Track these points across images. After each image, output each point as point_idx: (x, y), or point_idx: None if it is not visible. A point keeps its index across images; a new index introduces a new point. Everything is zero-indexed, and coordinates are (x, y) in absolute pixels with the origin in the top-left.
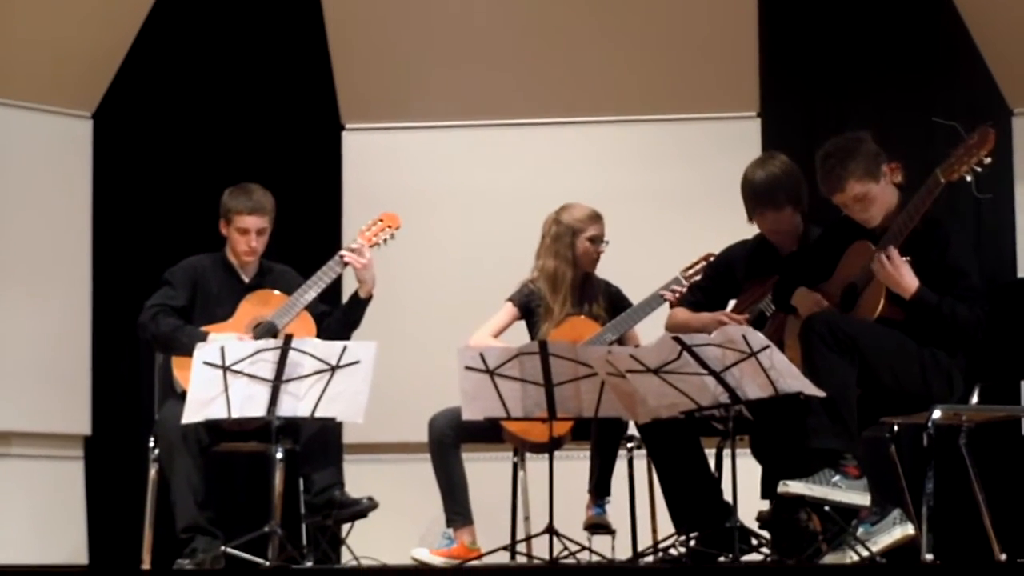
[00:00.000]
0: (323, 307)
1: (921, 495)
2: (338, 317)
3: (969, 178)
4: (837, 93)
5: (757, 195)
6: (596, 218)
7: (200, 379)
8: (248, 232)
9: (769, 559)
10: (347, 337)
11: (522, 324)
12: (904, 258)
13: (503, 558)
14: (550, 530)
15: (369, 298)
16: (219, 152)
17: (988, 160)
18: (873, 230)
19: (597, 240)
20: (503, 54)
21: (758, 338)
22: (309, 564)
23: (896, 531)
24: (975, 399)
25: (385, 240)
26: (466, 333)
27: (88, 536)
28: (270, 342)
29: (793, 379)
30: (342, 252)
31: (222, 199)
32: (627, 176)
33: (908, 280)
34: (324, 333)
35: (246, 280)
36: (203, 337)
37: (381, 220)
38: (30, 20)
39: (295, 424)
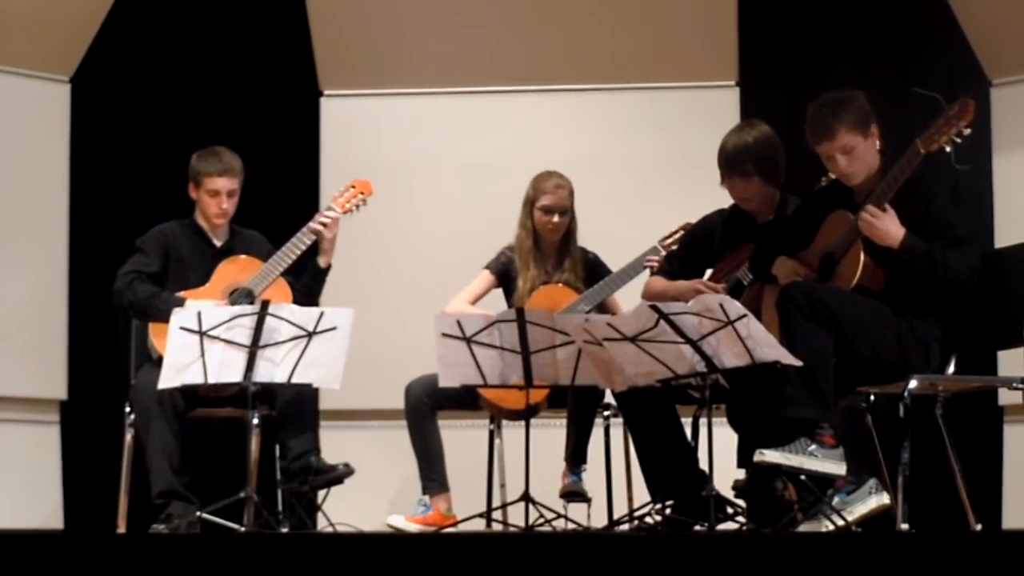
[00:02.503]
0: (288, 278)
1: (897, 465)
2: (300, 290)
3: (948, 149)
4: (816, 63)
5: (726, 161)
6: (554, 189)
7: (177, 344)
8: (219, 194)
9: (745, 528)
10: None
11: (499, 291)
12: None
13: (479, 525)
14: (526, 498)
15: (329, 267)
16: (197, 117)
17: (968, 131)
18: (853, 198)
19: (550, 211)
20: (483, 21)
21: (735, 307)
22: (285, 530)
23: (872, 501)
24: (951, 369)
25: (357, 207)
26: (444, 300)
27: (64, 501)
28: (247, 308)
29: (770, 348)
30: (317, 218)
31: (190, 163)
32: (606, 144)
33: (895, 230)
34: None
35: (217, 244)
36: (180, 303)
37: (353, 187)
38: None
39: (271, 390)
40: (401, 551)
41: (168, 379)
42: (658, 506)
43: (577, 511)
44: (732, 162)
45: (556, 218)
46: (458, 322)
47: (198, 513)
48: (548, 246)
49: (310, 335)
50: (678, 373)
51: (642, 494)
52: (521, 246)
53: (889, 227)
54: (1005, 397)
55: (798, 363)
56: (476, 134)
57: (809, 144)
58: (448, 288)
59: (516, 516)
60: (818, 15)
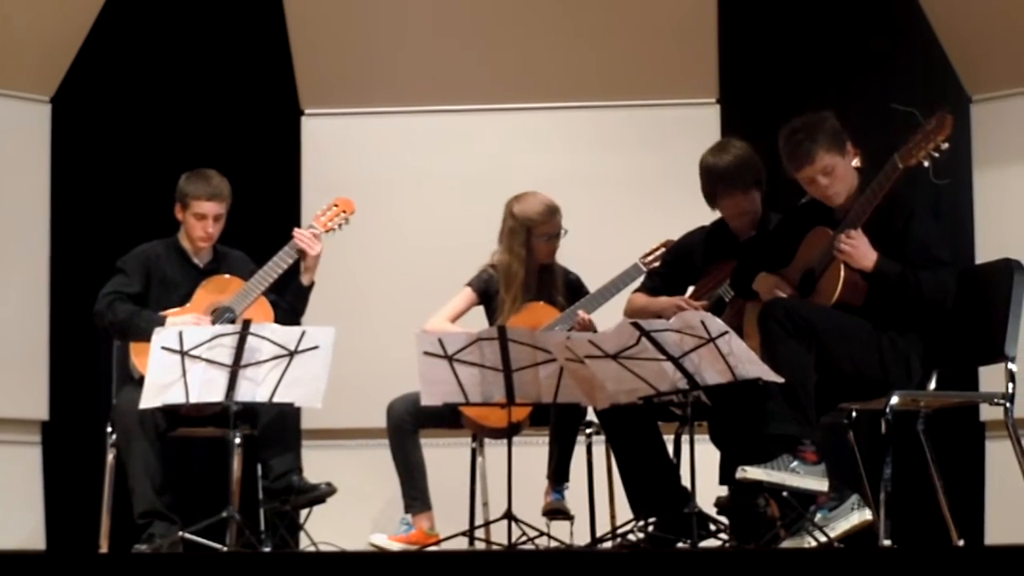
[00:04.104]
0: (272, 296)
1: (879, 481)
2: (285, 308)
3: (927, 163)
4: (796, 80)
5: (726, 178)
6: (551, 213)
7: (158, 364)
8: (205, 218)
9: (727, 544)
10: (295, 325)
11: (479, 309)
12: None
13: (461, 544)
14: (508, 516)
15: (312, 285)
16: (178, 137)
17: (945, 146)
18: (832, 215)
19: (553, 236)
20: (463, 40)
21: (716, 324)
22: (267, 549)
23: (854, 516)
24: (933, 385)
25: (340, 225)
26: (426, 318)
27: (45, 521)
28: (228, 327)
29: (751, 365)
30: (296, 234)
31: (179, 184)
32: (586, 162)
33: (868, 254)
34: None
35: (200, 265)
36: (161, 322)
37: (336, 205)
38: None
39: (253, 409)
40: (383, 570)
41: (150, 399)
42: (641, 523)
43: (560, 529)
44: (731, 178)
45: (557, 242)
46: (440, 340)
47: (180, 533)
48: (528, 275)
49: (292, 354)
50: (660, 390)
51: (624, 511)
52: (513, 276)
53: (865, 252)
54: (986, 413)
55: (780, 380)
56: (457, 152)
57: (788, 172)
58: (430, 306)
59: (499, 534)
60: (798, 33)
